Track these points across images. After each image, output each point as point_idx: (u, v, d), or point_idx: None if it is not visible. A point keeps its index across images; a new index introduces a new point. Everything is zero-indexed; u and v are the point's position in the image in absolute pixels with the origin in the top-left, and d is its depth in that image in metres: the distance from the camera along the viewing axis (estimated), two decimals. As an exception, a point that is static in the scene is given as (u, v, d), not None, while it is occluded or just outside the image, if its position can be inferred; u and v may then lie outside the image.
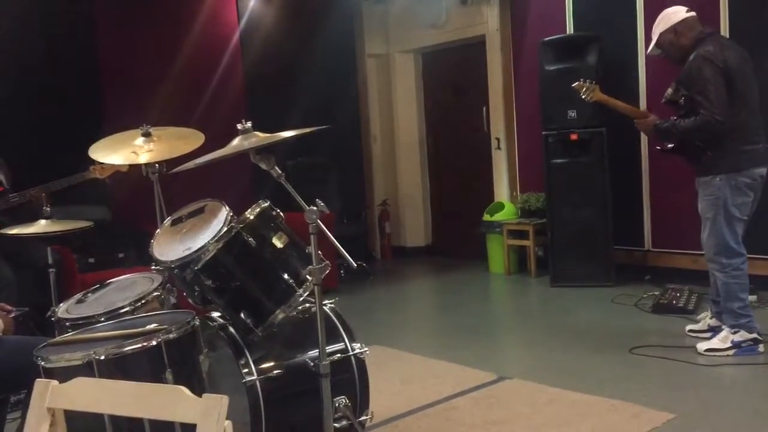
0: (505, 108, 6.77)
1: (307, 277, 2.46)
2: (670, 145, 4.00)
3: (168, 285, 2.75)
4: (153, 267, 2.82)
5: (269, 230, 2.57)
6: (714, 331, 4.00)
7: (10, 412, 2.83)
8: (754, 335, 3.82)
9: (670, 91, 3.89)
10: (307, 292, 2.54)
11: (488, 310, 5.75)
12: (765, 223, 4.51)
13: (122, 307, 2.58)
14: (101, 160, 3.13)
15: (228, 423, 1.39)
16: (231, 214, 2.55)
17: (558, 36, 5.90)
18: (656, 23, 3.95)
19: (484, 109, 7.03)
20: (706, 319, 4.18)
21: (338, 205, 6.61)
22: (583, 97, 4.23)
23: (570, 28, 6.08)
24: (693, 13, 3.89)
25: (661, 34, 3.90)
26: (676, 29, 3.85)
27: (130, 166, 3.46)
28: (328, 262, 2.41)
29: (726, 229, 3.78)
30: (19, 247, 4.14)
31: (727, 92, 3.68)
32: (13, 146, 4.69)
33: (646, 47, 5.52)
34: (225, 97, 6.37)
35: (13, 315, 2.71)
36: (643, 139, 5.70)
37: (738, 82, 3.71)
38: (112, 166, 3.87)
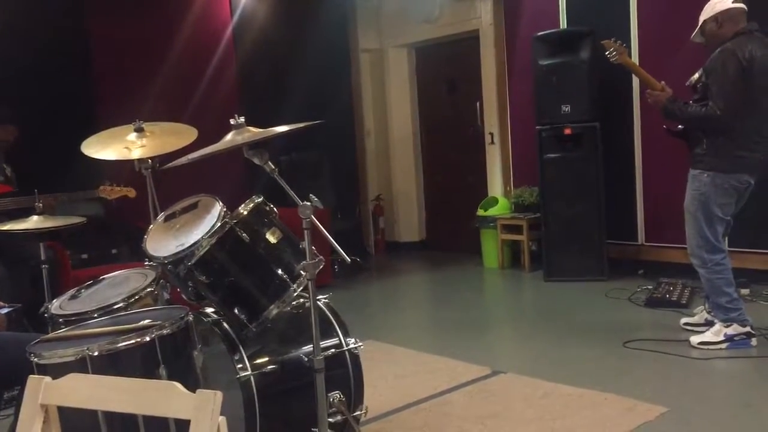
0: (499, 103, 6.77)
1: (301, 272, 2.45)
2: (679, 127, 3.94)
3: (161, 281, 2.74)
4: (146, 263, 2.82)
5: (263, 225, 2.57)
6: (710, 324, 4.00)
7: (3, 408, 2.83)
8: (747, 329, 3.83)
9: (696, 76, 3.84)
10: (301, 288, 2.54)
11: (482, 305, 5.75)
12: (757, 218, 4.54)
13: (115, 303, 2.57)
14: (94, 156, 3.08)
15: (222, 419, 1.39)
16: (224, 209, 2.54)
17: (551, 30, 5.90)
18: (704, 9, 3.83)
19: (478, 103, 7.03)
20: (702, 312, 4.18)
21: (332, 200, 6.60)
22: (608, 56, 4.07)
23: (563, 23, 6.09)
24: (741, 5, 3.73)
25: (704, 21, 3.80)
26: (718, 18, 3.73)
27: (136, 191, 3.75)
28: (322, 257, 2.41)
29: (705, 225, 3.78)
30: (11, 243, 4.13)
31: (743, 92, 3.61)
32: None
33: (639, 42, 5.58)
34: (218, 92, 6.33)
35: (5, 311, 2.70)
36: (637, 133, 5.72)
37: (756, 86, 3.63)
38: (121, 189, 3.99)
